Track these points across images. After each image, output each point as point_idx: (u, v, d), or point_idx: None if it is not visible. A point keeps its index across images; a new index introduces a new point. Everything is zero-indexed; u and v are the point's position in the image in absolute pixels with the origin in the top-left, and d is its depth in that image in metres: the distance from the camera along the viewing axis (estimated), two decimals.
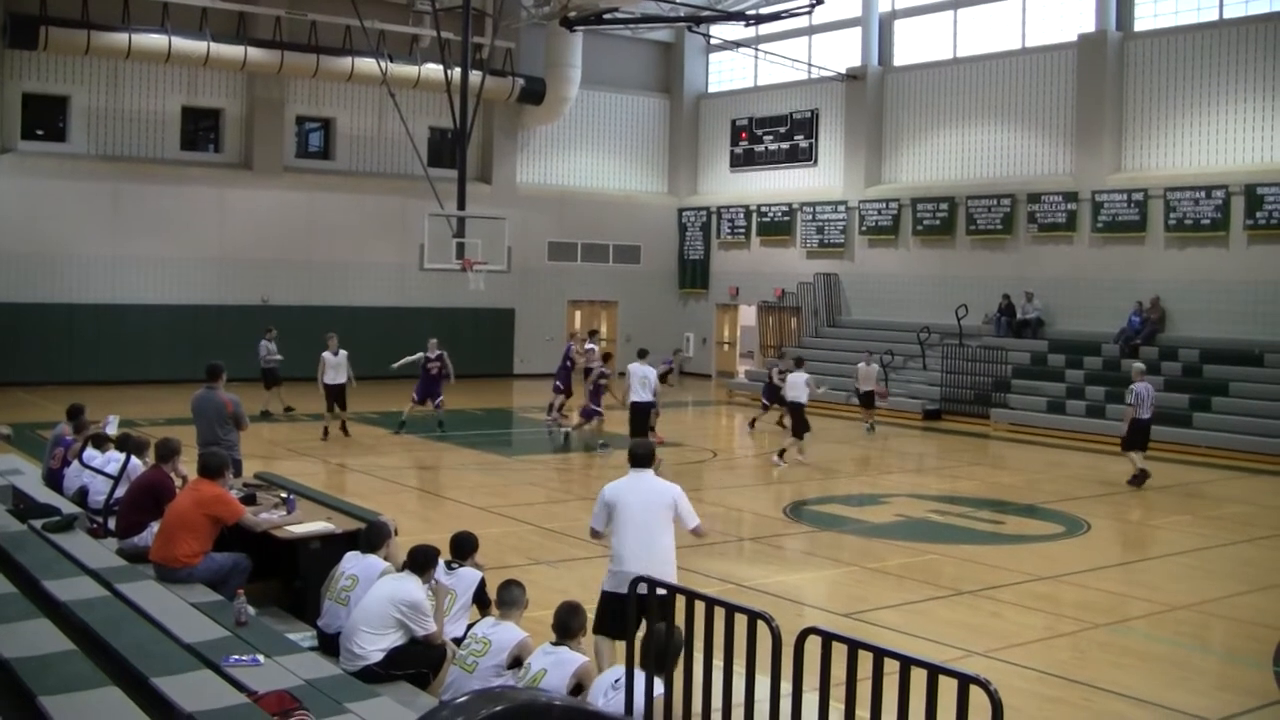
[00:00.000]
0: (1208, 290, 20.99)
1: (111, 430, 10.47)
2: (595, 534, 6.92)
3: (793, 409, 16.88)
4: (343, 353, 17.71)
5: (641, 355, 16.66)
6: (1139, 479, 15.37)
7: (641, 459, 6.84)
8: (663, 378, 19.64)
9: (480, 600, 6.82)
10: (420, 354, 18.49)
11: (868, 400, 20.59)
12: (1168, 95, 22.03)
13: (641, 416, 15.77)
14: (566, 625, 5.62)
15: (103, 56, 23.51)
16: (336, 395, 17.64)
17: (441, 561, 6.66)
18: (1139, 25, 22.79)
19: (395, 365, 19.03)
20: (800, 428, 16.68)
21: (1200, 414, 19.14)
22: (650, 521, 6.58)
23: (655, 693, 4.89)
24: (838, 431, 20.23)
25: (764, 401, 20.49)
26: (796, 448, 16.67)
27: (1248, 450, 17.96)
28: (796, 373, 17.17)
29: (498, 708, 3.20)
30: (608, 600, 6.62)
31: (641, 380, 15.78)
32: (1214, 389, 19.54)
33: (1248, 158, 20.94)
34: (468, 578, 6.83)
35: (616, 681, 5.19)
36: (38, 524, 7.97)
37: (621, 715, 4.75)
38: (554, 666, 5.38)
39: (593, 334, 21.48)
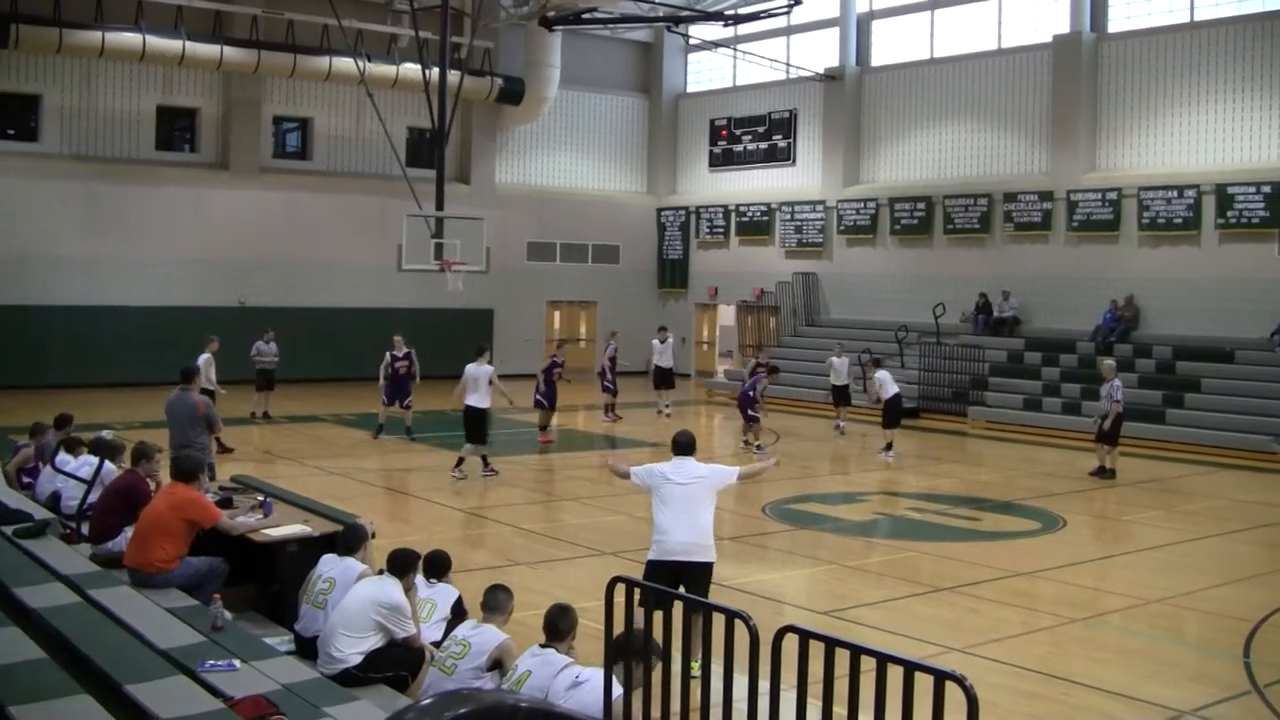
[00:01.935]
0: (1180, 288, 21.19)
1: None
2: (622, 473, 7.42)
3: (889, 405, 17.56)
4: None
5: (479, 353, 15.17)
6: (1111, 473, 15.67)
7: (683, 447, 7.27)
8: (548, 373, 18.47)
9: (458, 616, 6.79)
10: (386, 354, 17.76)
11: (841, 396, 20.13)
12: (1141, 96, 22.22)
13: (471, 420, 14.65)
14: (555, 627, 5.57)
15: (75, 55, 23.27)
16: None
17: (421, 575, 6.65)
18: (1113, 27, 22.96)
19: (382, 382, 17.78)
20: (896, 421, 17.68)
21: (1173, 410, 19.31)
22: (692, 498, 7.05)
23: (617, 693, 4.88)
24: (816, 429, 20.26)
25: (748, 412, 17.93)
26: (888, 440, 17.53)
27: (1220, 445, 18.14)
28: (881, 371, 18.06)
29: (463, 709, 3.20)
30: (653, 570, 6.92)
31: (473, 381, 14.60)
32: (1186, 385, 19.72)
33: (1219, 158, 21.14)
34: (447, 592, 6.85)
35: (578, 677, 5.19)
36: (9, 530, 7.88)
37: (586, 715, 4.72)
38: (539, 668, 5.35)
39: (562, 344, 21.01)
